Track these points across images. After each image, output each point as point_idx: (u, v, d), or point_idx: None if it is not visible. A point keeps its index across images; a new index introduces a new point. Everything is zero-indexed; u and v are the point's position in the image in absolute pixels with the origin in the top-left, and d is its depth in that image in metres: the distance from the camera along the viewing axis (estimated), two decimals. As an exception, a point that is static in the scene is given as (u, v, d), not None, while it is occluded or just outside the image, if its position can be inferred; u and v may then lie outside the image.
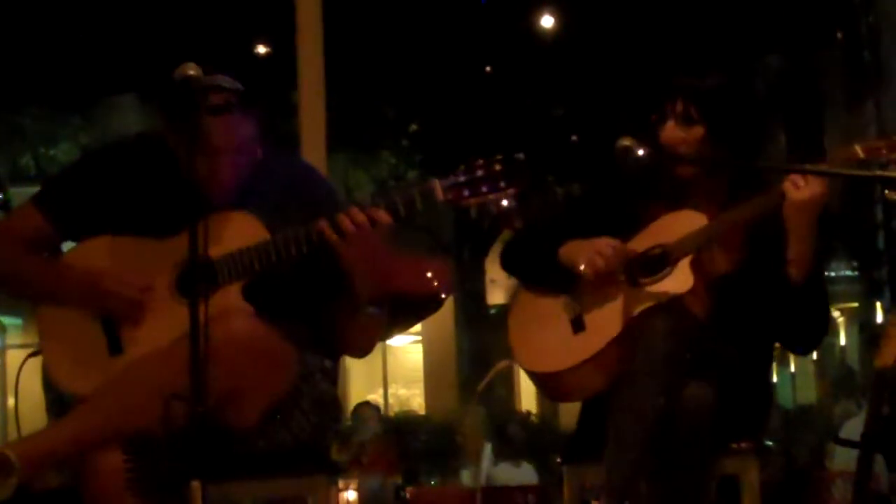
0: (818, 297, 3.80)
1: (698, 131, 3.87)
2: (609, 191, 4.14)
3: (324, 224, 3.59)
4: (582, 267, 3.84)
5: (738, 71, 3.98)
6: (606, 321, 3.83)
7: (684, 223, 3.85)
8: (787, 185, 3.67)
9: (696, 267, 3.79)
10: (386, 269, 3.70)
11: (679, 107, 3.89)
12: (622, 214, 3.98)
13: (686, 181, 3.93)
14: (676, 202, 3.92)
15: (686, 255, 3.79)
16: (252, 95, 3.70)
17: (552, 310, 3.96)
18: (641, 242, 3.91)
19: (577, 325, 3.89)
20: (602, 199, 4.14)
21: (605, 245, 3.86)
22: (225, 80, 3.68)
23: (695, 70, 3.97)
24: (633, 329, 3.74)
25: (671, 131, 3.89)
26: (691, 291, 3.76)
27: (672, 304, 3.74)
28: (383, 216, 3.58)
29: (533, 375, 4.01)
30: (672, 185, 3.95)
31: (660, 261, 3.84)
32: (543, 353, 3.94)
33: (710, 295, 3.81)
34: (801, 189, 3.65)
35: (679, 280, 3.78)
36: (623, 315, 3.80)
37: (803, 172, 3.65)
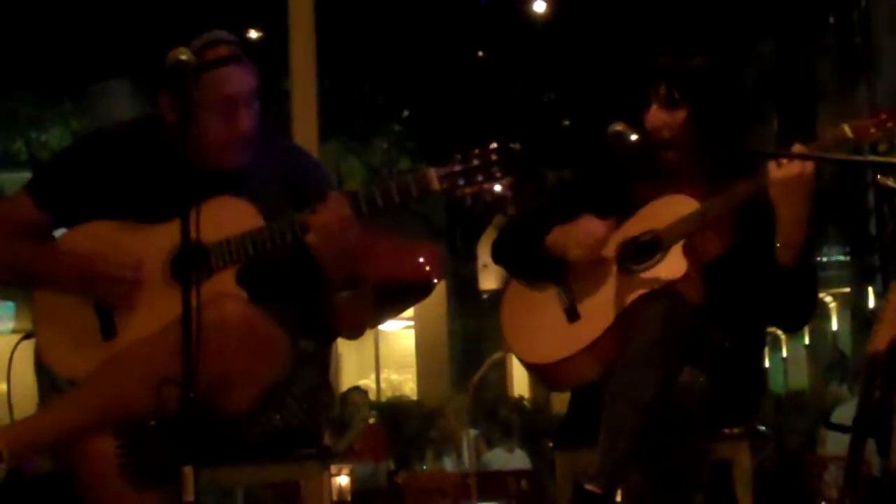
0: (807, 280, 3.80)
1: (681, 114, 3.87)
2: (599, 176, 4.13)
3: (296, 221, 3.59)
4: (573, 250, 3.84)
5: (722, 54, 3.98)
6: (600, 309, 3.82)
7: (675, 208, 3.84)
8: (770, 165, 3.67)
9: (688, 252, 3.78)
10: (362, 253, 3.70)
11: (662, 89, 3.88)
12: (612, 200, 3.97)
13: (670, 165, 3.92)
14: (661, 186, 3.91)
15: (678, 240, 3.79)
16: (250, 47, 3.74)
17: (545, 300, 3.95)
18: (632, 228, 3.90)
19: (572, 315, 3.88)
20: (591, 185, 4.13)
21: (591, 224, 3.85)
22: (222, 34, 3.71)
23: (678, 52, 3.96)
24: (627, 316, 3.74)
25: (655, 114, 3.89)
26: (684, 277, 3.75)
27: (666, 290, 3.74)
28: (344, 209, 3.58)
29: (530, 366, 4.01)
30: (657, 169, 3.94)
31: (652, 247, 3.83)
32: (539, 343, 3.93)
33: (703, 280, 3.80)
34: (783, 167, 3.65)
35: (672, 266, 3.77)
36: (617, 303, 3.79)
37: (788, 157, 3.65)
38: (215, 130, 3.63)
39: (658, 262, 3.80)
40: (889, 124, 3.62)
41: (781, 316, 3.90)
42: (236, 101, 3.68)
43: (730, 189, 3.77)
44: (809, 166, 3.62)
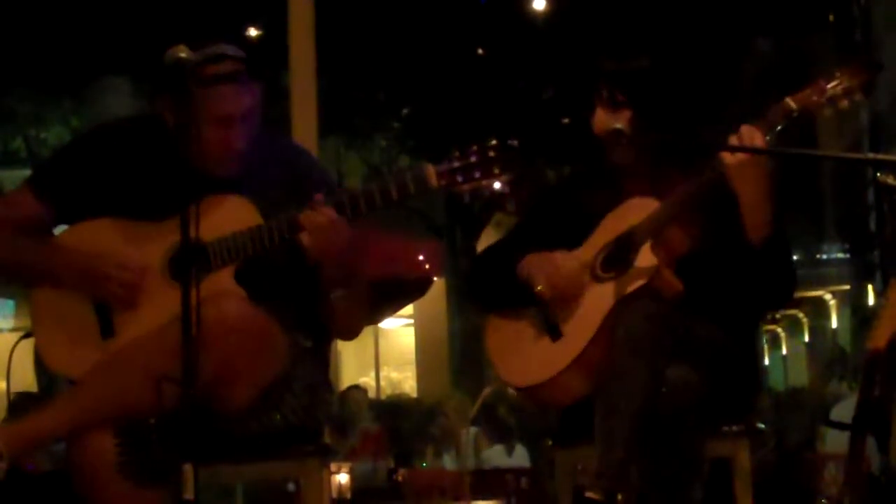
0: (781, 255, 3.80)
1: (625, 115, 3.87)
2: (561, 192, 4.16)
3: (289, 220, 3.59)
4: (539, 288, 3.85)
5: (663, 51, 3.98)
6: (582, 322, 3.82)
7: (638, 210, 3.84)
8: (723, 152, 3.68)
9: (659, 250, 3.78)
10: (357, 252, 3.70)
11: (605, 92, 3.89)
12: (576, 214, 3.98)
13: (620, 165, 3.93)
14: (613, 188, 3.92)
15: (646, 240, 3.79)
16: (255, 65, 3.71)
17: (527, 323, 3.95)
18: (601, 237, 3.90)
19: (554, 333, 3.88)
20: (555, 202, 4.15)
21: (561, 262, 3.86)
22: (229, 49, 3.69)
23: (617, 53, 3.97)
24: (609, 324, 3.73)
25: (599, 117, 3.89)
26: (661, 276, 3.75)
27: (643, 290, 3.74)
28: (331, 214, 3.57)
29: (521, 391, 4.01)
30: (609, 173, 3.95)
31: (622, 251, 3.83)
32: (527, 366, 3.92)
33: (679, 276, 3.80)
34: (735, 153, 3.66)
35: (644, 265, 3.77)
36: (597, 312, 3.79)
37: (745, 151, 3.65)
38: (210, 142, 3.61)
39: (630, 264, 3.80)
40: (829, 90, 3.63)
41: (762, 296, 3.90)
42: (232, 120, 3.66)
43: (688, 183, 3.77)
44: (761, 145, 3.64)
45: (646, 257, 3.77)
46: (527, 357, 3.93)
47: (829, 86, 3.63)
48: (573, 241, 3.92)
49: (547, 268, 3.87)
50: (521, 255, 3.95)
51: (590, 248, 3.90)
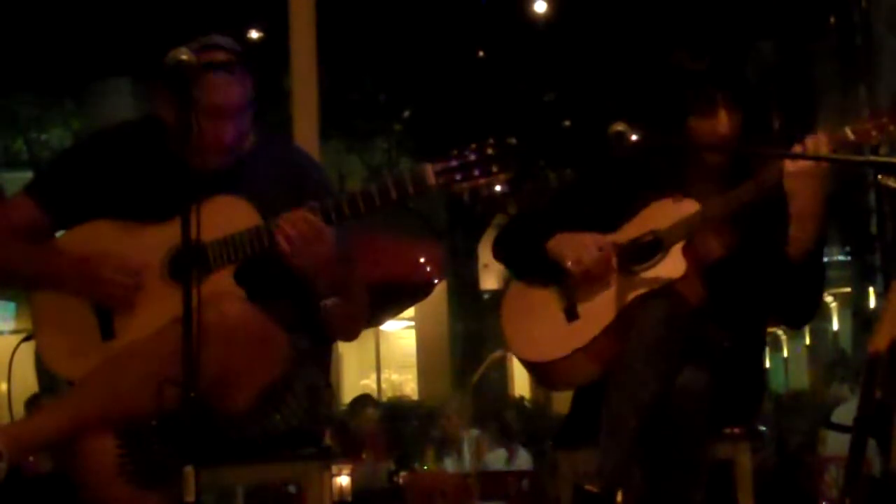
0: (815, 275, 3.81)
1: (738, 118, 3.86)
2: (603, 176, 4.14)
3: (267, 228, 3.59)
4: (569, 264, 3.85)
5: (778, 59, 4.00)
6: (599, 309, 3.83)
7: (676, 209, 3.85)
8: (785, 160, 3.68)
9: (688, 253, 3.79)
10: (348, 260, 3.69)
11: (727, 95, 3.86)
12: (615, 201, 3.97)
13: (713, 168, 3.91)
14: (689, 186, 3.91)
15: (678, 241, 3.79)
16: (249, 56, 3.71)
17: (545, 299, 3.97)
18: (633, 229, 3.91)
19: (571, 314, 3.90)
20: (595, 185, 4.14)
21: (592, 243, 3.85)
22: (223, 40, 3.69)
23: (728, 58, 3.96)
24: (626, 317, 3.74)
25: (724, 120, 3.85)
26: (685, 278, 3.76)
27: (665, 290, 3.74)
28: (312, 219, 3.56)
29: (527, 364, 4.02)
30: (698, 172, 3.93)
31: (652, 247, 3.84)
32: (537, 342, 3.94)
33: (703, 281, 3.81)
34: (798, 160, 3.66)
35: (671, 266, 3.78)
36: (616, 303, 3.80)
37: (797, 158, 3.66)
38: (201, 133, 3.58)
39: (658, 262, 3.81)
40: (890, 127, 3.64)
41: (787, 310, 3.91)
42: (222, 110, 3.65)
43: (732, 191, 3.77)
44: (826, 152, 3.65)
45: (675, 257, 3.78)
46: (539, 332, 3.95)
47: (891, 124, 3.64)
48: (609, 223, 3.93)
49: (578, 247, 3.86)
50: (554, 229, 3.95)
51: (623, 235, 3.90)
